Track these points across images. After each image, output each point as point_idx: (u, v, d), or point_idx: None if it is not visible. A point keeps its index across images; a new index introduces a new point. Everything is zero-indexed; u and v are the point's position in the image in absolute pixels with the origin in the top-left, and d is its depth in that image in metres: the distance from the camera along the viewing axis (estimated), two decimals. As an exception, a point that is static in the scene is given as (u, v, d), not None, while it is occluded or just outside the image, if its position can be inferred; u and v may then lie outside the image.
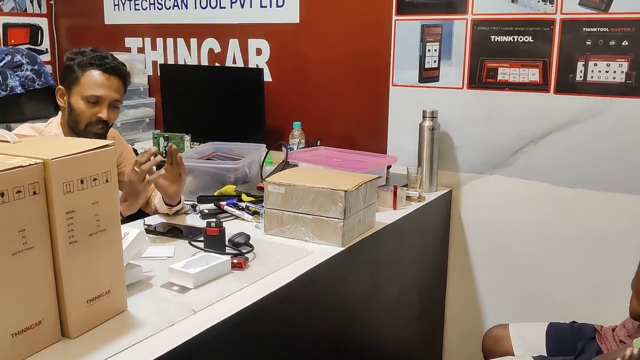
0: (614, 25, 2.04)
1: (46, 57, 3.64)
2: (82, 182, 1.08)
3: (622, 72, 2.06)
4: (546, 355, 1.89)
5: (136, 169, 1.77)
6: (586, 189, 2.18)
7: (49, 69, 3.38)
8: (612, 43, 2.06)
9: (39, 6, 3.64)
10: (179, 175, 1.88)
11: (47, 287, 1.07)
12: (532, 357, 1.83)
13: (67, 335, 1.12)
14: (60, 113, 1.97)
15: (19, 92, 3.01)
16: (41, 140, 1.40)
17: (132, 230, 1.37)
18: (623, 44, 2.04)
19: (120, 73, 1.91)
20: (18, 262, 1.00)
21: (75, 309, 1.12)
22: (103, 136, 1.90)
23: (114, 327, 1.18)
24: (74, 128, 1.89)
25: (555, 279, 2.29)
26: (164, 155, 2.74)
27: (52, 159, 1.02)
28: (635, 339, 1.33)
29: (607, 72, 2.08)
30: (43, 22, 3.67)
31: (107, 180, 1.13)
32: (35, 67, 3.13)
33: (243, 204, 2.02)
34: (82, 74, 1.86)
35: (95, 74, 1.86)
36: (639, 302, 1.51)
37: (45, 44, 3.69)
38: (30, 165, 1.00)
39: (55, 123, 1.95)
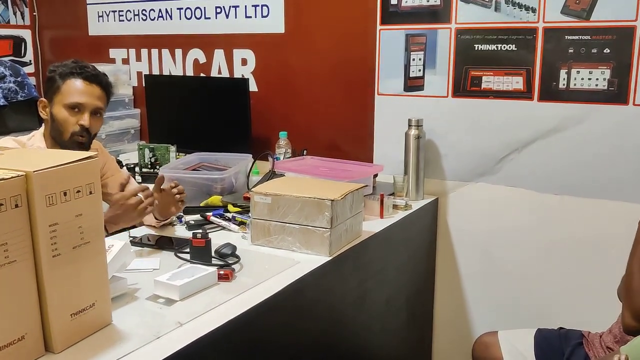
0: (596, 33, 2.07)
1: (30, 69, 3.61)
2: (65, 194, 1.07)
3: (604, 79, 2.08)
4: (534, 362, 1.90)
5: (140, 196, 1.74)
6: (571, 195, 2.20)
7: (32, 80, 3.35)
8: (594, 51, 2.08)
9: (22, 18, 3.62)
10: (175, 203, 1.87)
11: (30, 301, 1.05)
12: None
13: (51, 350, 1.10)
14: (43, 126, 1.95)
15: (1, 104, 2.98)
16: (23, 153, 1.39)
17: (117, 243, 1.36)
18: (605, 51, 2.06)
19: (101, 82, 1.90)
20: (0, 277, 0.99)
21: (59, 323, 1.10)
22: (86, 146, 1.88)
23: (99, 340, 1.17)
24: (57, 138, 1.88)
25: (543, 285, 2.30)
26: (149, 167, 2.73)
27: (34, 171, 1.01)
28: (622, 345, 1.34)
29: (589, 79, 2.10)
30: (26, 34, 3.64)
31: (90, 192, 1.12)
32: (19, 79, 3.10)
33: (229, 215, 2.01)
34: (63, 82, 1.85)
35: (76, 82, 1.85)
36: (631, 315, 1.49)
37: (29, 56, 3.67)
38: (12, 177, 0.99)
39: (38, 136, 1.94)
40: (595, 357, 1.79)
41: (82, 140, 1.86)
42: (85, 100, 1.85)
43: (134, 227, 1.96)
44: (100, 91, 1.89)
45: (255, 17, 2.82)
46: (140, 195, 1.73)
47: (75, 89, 1.85)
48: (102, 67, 1.99)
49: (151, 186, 1.85)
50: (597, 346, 1.83)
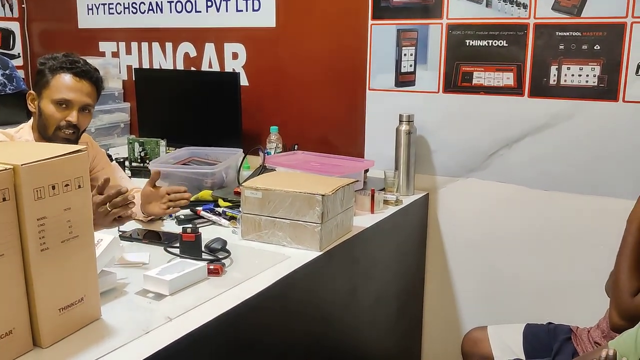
0: (586, 30, 2.08)
1: (18, 62, 3.57)
2: (53, 188, 1.06)
3: (594, 75, 2.09)
4: (524, 357, 1.90)
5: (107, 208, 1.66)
6: (561, 191, 2.21)
7: (21, 73, 3.32)
8: (584, 47, 2.09)
9: (11, 10, 3.59)
10: (164, 208, 1.85)
11: (18, 295, 1.05)
12: None
13: (39, 345, 1.09)
14: (32, 119, 1.93)
15: (-11, 97, 2.96)
16: (11, 145, 1.38)
17: (106, 237, 1.35)
18: (595, 47, 2.07)
19: (92, 77, 1.87)
20: (-13, 271, 0.98)
21: (47, 318, 1.09)
22: (73, 142, 1.86)
23: (88, 335, 1.16)
24: (43, 133, 1.86)
25: (532, 281, 2.31)
26: (138, 161, 2.72)
27: (22, 165, 1.00)
28: (610, 340, 1.35)
29: (579, 75, 2.11)
30: (15, 26, 3.61)
31: (79, 186, 1.11)
32: (7, 71, 3.08)
33: (220, 209, 2.00)
34: (53, 77, 1.83)
35: (65, 78, 1.83)
36: (618, 314, 1.51)
37: (18, 49, 3.63)
38: (-1, 171, 0.98)
39: (26, 128, 1.92)
40: (584, 352, 1.81)
41: (69, 136, 1.84)
42: (73, 96, 1.83)
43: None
44: (90, 87, 1.87)
45: (247, 10, 2.81)
46: (108, 205, 1.64)
47: (64, 84, 1.82)
48: (91, 61, 1.97)
49: (145, 181, 1.84)
50: (585, 341, 1.84)
